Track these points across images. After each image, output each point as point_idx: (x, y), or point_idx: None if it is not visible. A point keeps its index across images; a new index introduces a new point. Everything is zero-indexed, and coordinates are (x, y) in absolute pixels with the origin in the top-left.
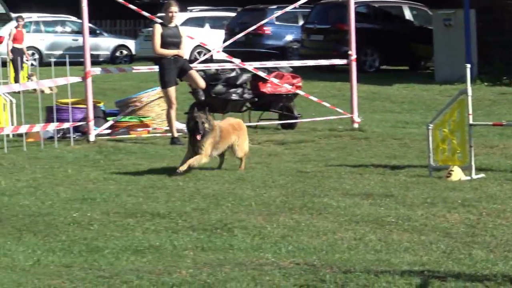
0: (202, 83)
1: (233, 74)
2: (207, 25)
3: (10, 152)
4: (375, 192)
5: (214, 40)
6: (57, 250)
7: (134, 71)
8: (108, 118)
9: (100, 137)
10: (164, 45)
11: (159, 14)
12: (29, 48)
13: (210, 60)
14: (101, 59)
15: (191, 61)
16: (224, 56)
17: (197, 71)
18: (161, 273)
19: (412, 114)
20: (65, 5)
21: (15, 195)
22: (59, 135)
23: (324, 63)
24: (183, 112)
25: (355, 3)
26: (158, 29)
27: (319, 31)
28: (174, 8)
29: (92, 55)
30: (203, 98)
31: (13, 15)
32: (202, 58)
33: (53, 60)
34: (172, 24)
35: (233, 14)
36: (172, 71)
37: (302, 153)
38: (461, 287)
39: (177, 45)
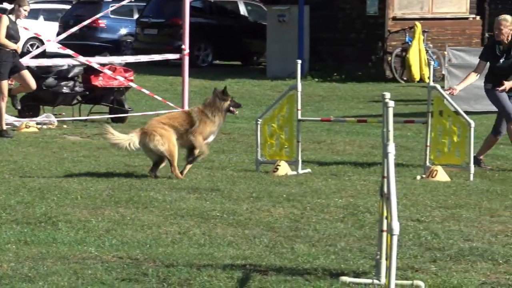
0: (33, 85)
1: (65, 67)
2: (41, 17)
3: None
4: (201, 187)
5: (48, 32)
6: None
7: None
8: None
9: None
10: (7, 37)
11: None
12: None
13: (43, 53)
14: None
15: (24, 53)
16: (57, 48)
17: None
18: None
19: (242, 109)
20: None
21: None
22: None
23: (157, 58)
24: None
25: None
26: (5, 20)
27: (153, 25)
28: (28, 7)
29: None
30: (19, 107)
31: None
32: (36, 51)
33: None
34: (17, 20)
35: (68, 7)
36: (8, 64)
37: None
38: (282, 280)
39: (17, 41)
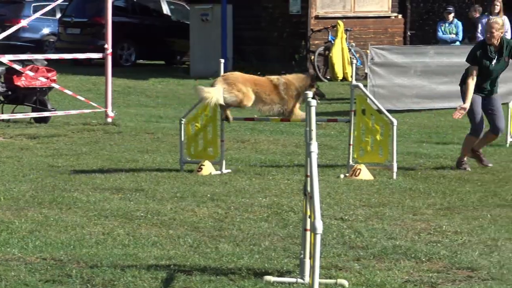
0: None
1: None
2: None
3: None
4: (125, 187)
5: None
6: None
7: None
8: None
9: None
10: None
11: None
12: None
13: None
14: None
15: None
16: None
17: None
18: None
19: (166, 108)
20: None
21: None
22: None
23: (80, 57)
24: None
25: None
26: None
27: (76, 25)
28: None
29: None
30: None
31: None
32: None
33: None
34: None
35: None
36: None
37: (54, 147)
38: (206, 280)
39: None
